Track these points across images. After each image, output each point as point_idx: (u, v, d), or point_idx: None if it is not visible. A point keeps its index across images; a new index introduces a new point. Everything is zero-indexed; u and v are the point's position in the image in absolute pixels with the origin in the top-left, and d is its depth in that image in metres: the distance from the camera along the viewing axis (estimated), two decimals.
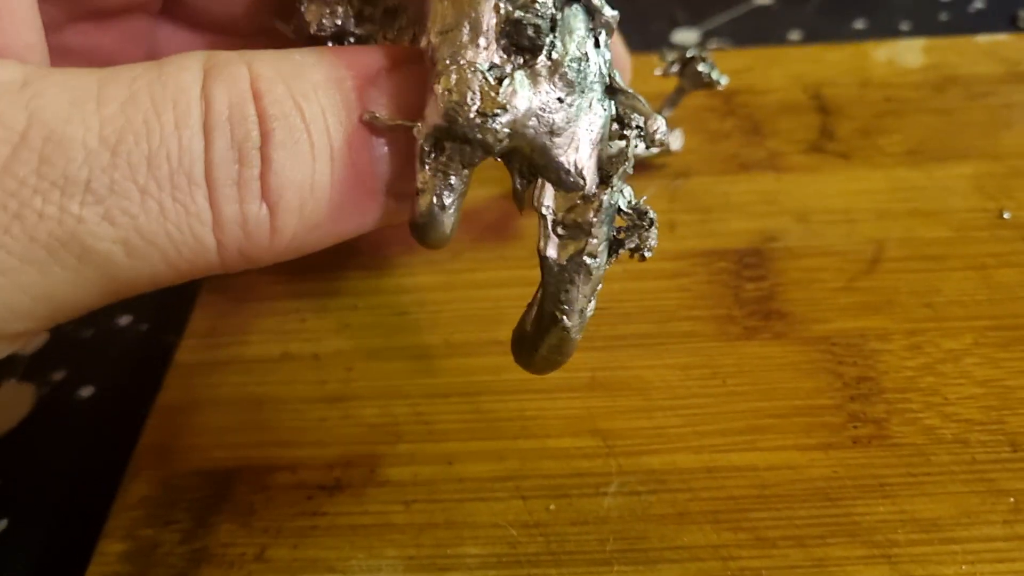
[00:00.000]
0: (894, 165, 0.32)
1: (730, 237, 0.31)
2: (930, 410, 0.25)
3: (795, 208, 0.31)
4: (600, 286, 0.19)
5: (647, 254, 0.19)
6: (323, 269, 0.31)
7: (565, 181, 0.18)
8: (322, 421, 0.27)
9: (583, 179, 0.18)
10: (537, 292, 0.19)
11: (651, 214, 0.19)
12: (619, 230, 0.19)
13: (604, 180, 0.18)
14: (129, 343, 0.32)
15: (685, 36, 0.42)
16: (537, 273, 0.19)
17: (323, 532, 0.24)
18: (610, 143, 0.18)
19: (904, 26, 0.41)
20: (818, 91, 0.36)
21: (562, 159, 0.18)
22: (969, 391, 0.25)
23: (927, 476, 0.24)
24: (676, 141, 0.33)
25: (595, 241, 0.18)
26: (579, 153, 0.18)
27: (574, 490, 0.24)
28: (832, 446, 0.24)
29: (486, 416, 0.26)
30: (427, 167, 0.17)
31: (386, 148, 0.18)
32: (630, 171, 0.18)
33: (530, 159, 0.18)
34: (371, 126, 0.18)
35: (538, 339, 0.19)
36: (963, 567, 0.22)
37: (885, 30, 0.41)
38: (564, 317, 0.18)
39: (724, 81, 0.30)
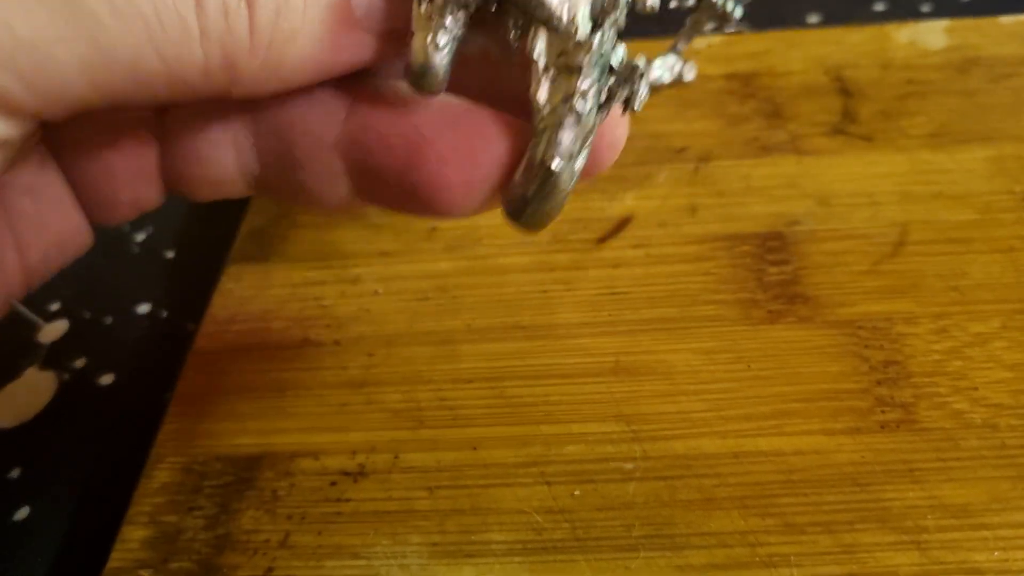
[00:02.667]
0: (917, 147, 0.32)
1: (752, 221, 0.30)
2: (958, 394, 0.25)
3: (817, 191, 0.31)
4: (591, 138, 0.19)
5: (637, 106, 0.19)
6: (344, 255, 0.31)
7: (558, 26, 0.18)
8: (344, 407, 0.27)
9: (575, 24, 0.18)
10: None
11: (642, 68, 0.19)
12: (611, 85, 0.19)
13: (595, 27, 0.18)
14: (148, 330, 0.31)
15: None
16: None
17: (347, 518, 0.24)
18: None
19: (926, 7, 0.40)
20: (839, 73, 0.35)
21: (555, 3, 0.18)
22: (998, 375, 0.25)
23: (956, 461, 0.23)
24: (690, 72, 0.32)
25: (584, 84, 0.18)
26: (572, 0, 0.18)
27: (599, 475, 0.24)
28: (860, 431, 0.24)
29: (510, 401, 0.26)
30: (422, 5, 0.18)
31: None
32: (622, 22, 0.19)
33: (524, 6, 0.18)
34: None
35: (527, 187, 0.19)
36: (995, 553, 0.22)
37: (906, 12, 0.40)
38: (552, 160, 0.19)
39: (739, 13, 0.30)
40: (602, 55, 0.18)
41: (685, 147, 0.33)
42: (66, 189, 0.23)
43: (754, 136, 0.33)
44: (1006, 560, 0.21)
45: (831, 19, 0.40)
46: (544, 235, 0.30)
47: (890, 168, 0.31)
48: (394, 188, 0.21)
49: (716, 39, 0.37)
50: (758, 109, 0.35)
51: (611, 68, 0.19)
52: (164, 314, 0.32)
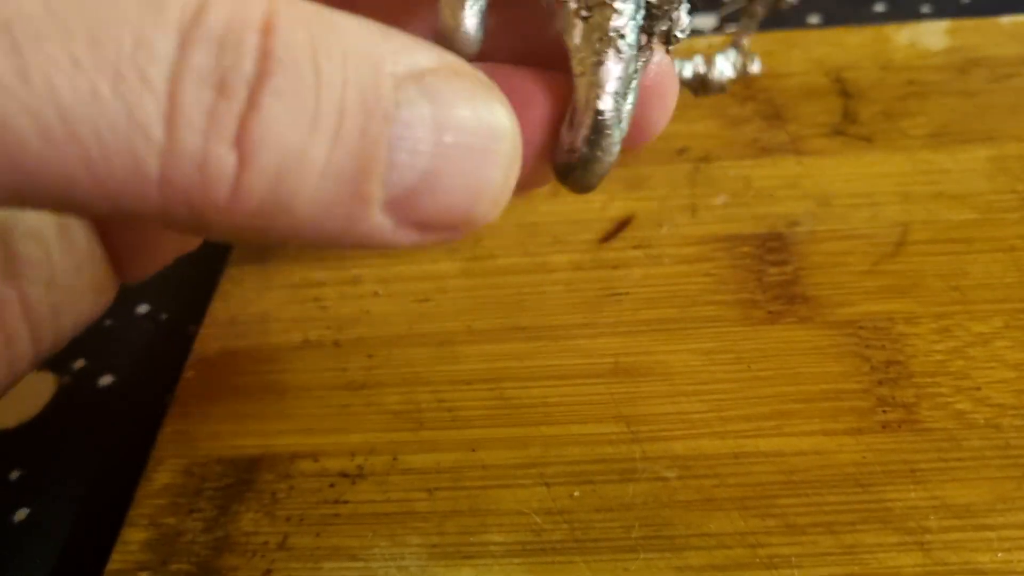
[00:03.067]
0: (918, 148, 0.32)
1: (752, 222, 0.30)
2: (961, 394, 0.25)
3: (818, 192, 0.31)
4: (636, 80, 0.18)
5: (679, 34, 0.18)
6: (343, 256, 0.31)
7: None
8: (344, 408, 0.26)
9: None
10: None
11: None
12: (649, 20, 0.18)
13: None
14: (149, 332, 0.31)
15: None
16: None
17: (346, 520, 0.24)
18: None
19: (925, 8, 0.40)
20: (839, 74, 0.35)
21: None
22: (1000, 375, 0.25)
23: (959, 461, 0.23)
24: (756, 65, 0.32)
25: (620, 18, 0.17)
26: None
27: (598, 476, 0.24)
28: (861, 431, 0.24)
29: (509, 403, 0.26)
30: None
31: (408, 159, 0.15)
32: None
33: None
34: None
35: (575, 138, 0.18)
36: (998, 554, 0.21)
37: (906, 13, 0.40)
38: (600, 102, 0.17)
39: None
40: None
41: (685, 148, 0.33)
42: (86, 234, 0.20)
43: (754, 137, 0.33)
44: (1010, 561, 0.21)
45: (831, 20, 0.40)
46: (544, 236, 0.30)
47: (890, 168, 0.31)
48: None
49: (716, 40, 0.37)
50: (758, 110, 0.34)
51: (648, 3, 0.18)
52: (164, 315, 0.32)
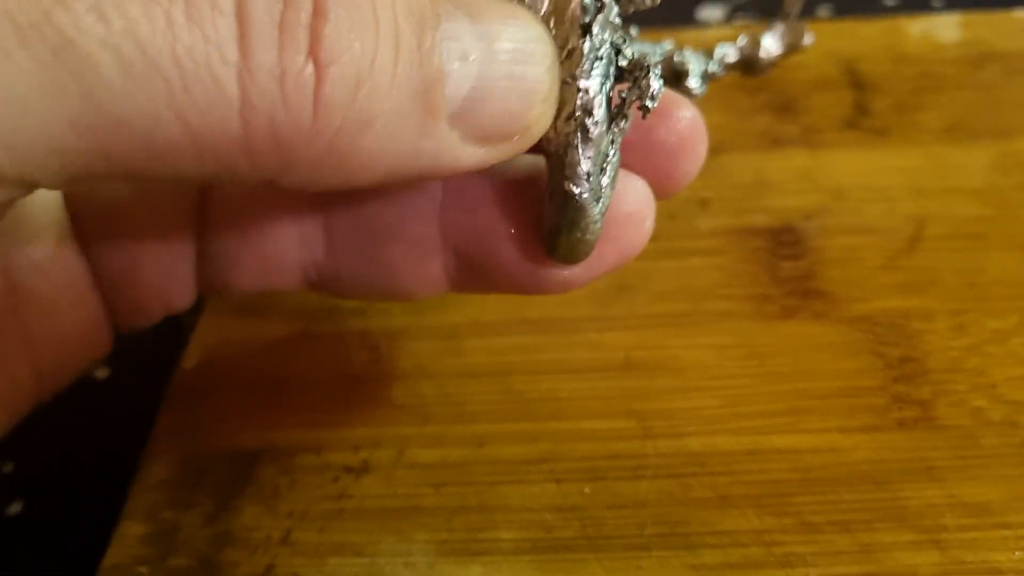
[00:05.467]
0: (932, 142, 0.31)
1: (765, 215, 0.30)
2: (977, 391, 0.24)
3: (831, 185, 0.30)
4: (611, 154, 0.17)
5: (649, 103, 0.17)
6: None
7: None
8: (347, 401, 0.26)
9: (564, 36, 0.17)
10: None
11: (648, 62, 0.17)
12: (623, 89, 0.18)
13: (584, 33, 0.17)
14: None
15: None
16: None
17: (350, 515, 0.23)
18: None
19: (936, 2, 0.40)
20: (851, 67, 0.35)
21: (541, 16, 0.17)
22: (1017, 372, 0.25)
23: (976, 459, 0.23)
24: (808, 37, 0.31)
25: (585, 95, 0.17)
26: None
27: (610, 473, 0.23)
28: (876, 428, 0.24)
29: (518, 397, 0.25)
30: None
31: (461, 68, 0.15)
32: (615, 19, 0.17)
33: None
34: None
35: (555, 219, 0.18)
36: (1016, 553, 0.21)
37: (917, 5, 0.40)
38: (572, 186, 0.17)
39: None
40: (598, 59, 0.17)
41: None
42: (86, 276, 0.20)
43: (766, 130, 0.33)
44: None
45: (842, 12, 0.40)
46: None
47: (905, 162, 0.31)
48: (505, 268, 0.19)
49: (726, 31, 0.36)
50: (769, 103, 0.34)
51: (620, 72, 0.17)
52: None
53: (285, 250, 0.20)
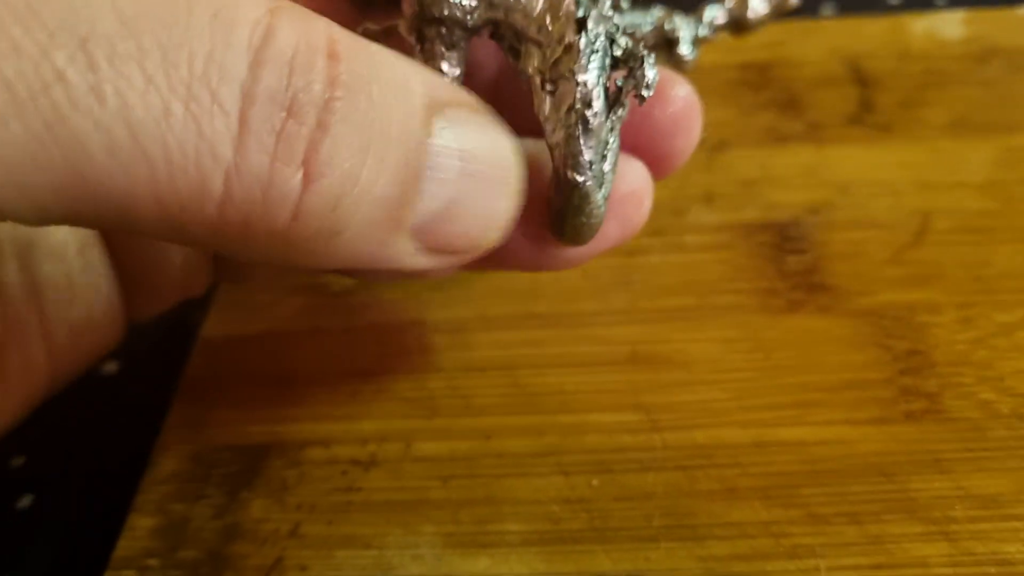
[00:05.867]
0: (937, 137, 0.31)
1: (770, 210, 0.30)
2: (984, 384, 0.24)
3: (836, 181, 0.30)
4: (611, 141, 0.18)
5: (645, 92, 0.18)
6: None
7: (544, 36, 0.17)
8: (355, 395, 0.26)
9: (555, 32, 0.17)
10: None
11: (641, 51, 0.18)
12: (620, 80, 0.18)
13: (580, 27, 0.17)
14: (154, 318, 0.31)
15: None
16: None
17: (358, 508, 0.23)
18: None
19: (940, 0, 0.40)
20: (856, 63, 0.35)
21: (536, 14, 0.17)
22: None
23: (984, 451, 0.23)
24: None
25: (583, 89, 0.17)
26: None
27: (617, 465, 0.23)
28: (884, 421, 0.24)
29: (524, 390, 0.25)
30: (417, 59, 0.17)
31: (436, 188, 0.16)
32: (608, 12, 0.18)
33: (511, 25, 0.18)
34: (365, 35, 0.17)
35: (560, 205, 0.19)
36: None
37: (920, 2, 0.40)
38: (575, 174, 0.18)
39: None
40: (594, 52, 0.17)
41: (700, 136, 0.32)
42: (104, 263, 0.21)
43: (771, 125, 0.33)
44: None
45: (845, 10, 0.40)
46: None
47: (910, 158, 0.31)
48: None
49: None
50: (774, 99, 0.34)
51: (615, 61, 0.18)
52: None
53: None
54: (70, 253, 0.20)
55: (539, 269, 0.21)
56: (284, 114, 0.14)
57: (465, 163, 0.16)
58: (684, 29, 0.24)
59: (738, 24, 0.28)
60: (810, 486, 0.23)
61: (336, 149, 0.14)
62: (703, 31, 0.24)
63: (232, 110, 0.13)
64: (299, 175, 0.14)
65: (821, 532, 0.22)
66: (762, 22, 0.29)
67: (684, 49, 0.23)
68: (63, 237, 0.20)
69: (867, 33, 0.36)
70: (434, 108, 0.15)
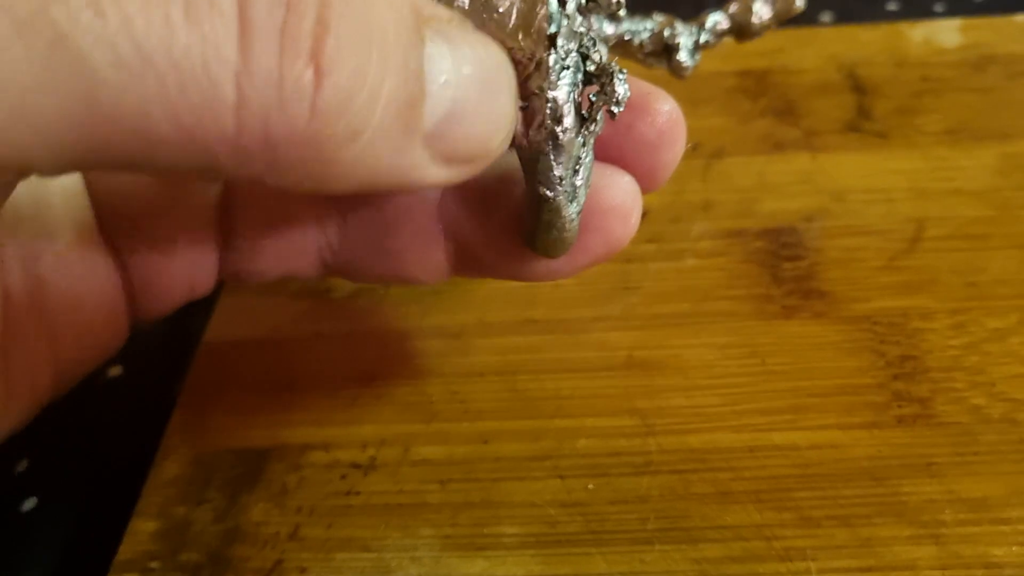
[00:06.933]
0: (933, 144, 0.32)
1: (766, 217, 0.30)
2: (976, 389, 0.25)
3: (832, 188, 0.31)
4: (584, 156, 0.18)
5: (615, 108, 0.18)
6: None
7: (517, 51, 0.17)
8: (355, 400, 0.26)
9: (525, 48, 0.17)
10: None
11: (613, 67, 0.18)
12: (593, 95, 0.18)
13: (550, 43, 0.17)
14: (157, 323, 0.31)
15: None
16: None
17: (357, 511, 0.24)
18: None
19: (939, 7, 0.40)
20: (853, 71, 0.35)
21: (510, 29, 0.17)
22: (1016, 370, 0.25)
23: (975, 456, 0.23)
24: (800, 0, 0.31)
25: (553, 105, 0.17)
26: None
27: (613, 469, 0.24)
28: (876, 425, 0.24)
29: (522, 395, 0.26)
30: None
31: (439, 91, 0.15)
32: (579, 28, 0.18)
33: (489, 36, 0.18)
34: None
35: (533, 219, 0.19)
36: (1014, 548, 0.21)
37: (919, 11, 0.40)
38: (546, 189, 0.18)
39: None
40: (565, 68, 0.17)
41: (697, 143, 0.33)
42: (109, 267, 0.21)
43: (767, 133, 0.33)
44: None
45: (844, 18, 0.40)
46: None
47: (905, 165, 0.31)
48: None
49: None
50: (771, 106, 0.34)
51: (588, 76, 0.18)
52: None
53: (305, 236, 0.21)
54: (74, 258, 0.20)
55: (526, 279, 0.21)
56: (284, 9, 0.13)
57: (460, 66, 0.16)
58: (683, 37, 0.24)
59: (741, 30, 0.28)
60: (802, 490, 0.23)
61: (340, 45, 0.14)
62: (705, 36, 0.24)
63: (231, 11, 0.13)
64: (309, 71, 0.13)
65: (812, 535, 0.22)
66: (766, 27, 0.29)
67: (683, 56, 0.24)
68: (68, 242, 0.20)
69: (864, 40, 0.36)
70: (421, 18, 0.15)
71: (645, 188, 0.20)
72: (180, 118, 0.13)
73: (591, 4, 0.19)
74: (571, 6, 0.17)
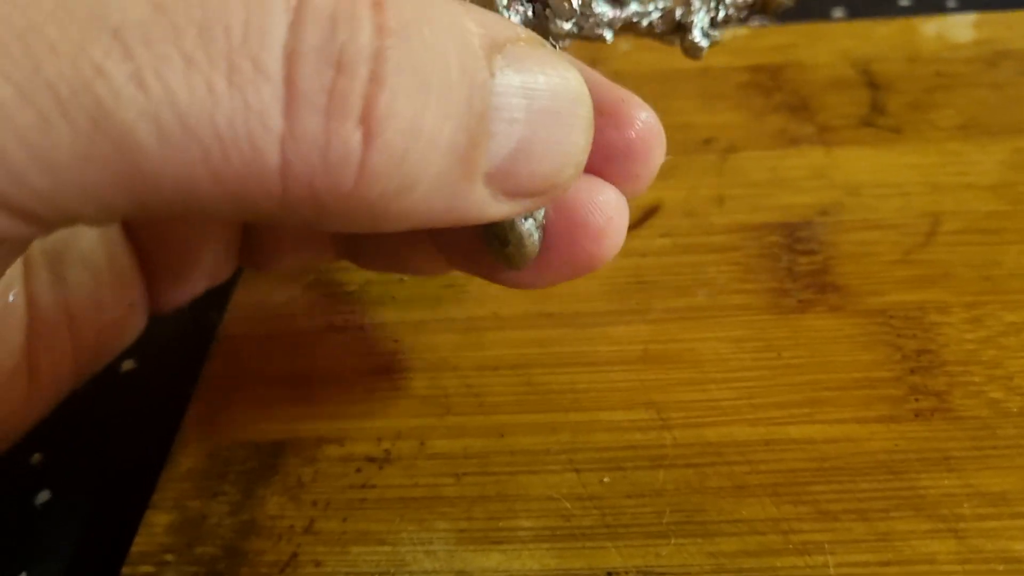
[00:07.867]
0: (947, 139, 0.32)
1: (780, 211, 0.30)
2: (993, 383, 0.24)
3: (846, 182, 0.31)
4: None
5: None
6: None
7: None
8: (370, 393, 0.26)
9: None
10: None
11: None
12: None
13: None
14: (171, 317, 0.31)
15: None
16: None
17: (373, 505, 0.24)
18: None
19: (951, 2, 0.40)
20: (866, 66, 0.35)
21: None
22: None
23: (993, 449, 0.23)
24: None
25: None
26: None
27: (628, 463, 0.24)
28: (893, 419, 0.24)
29: (537, 389, 0.26)
30: None
31: (506, 129, 0.15)
32: (564, 25, 0.17)
33: None
34: None
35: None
36: None
37: (931, 6, 0.40)
38: None
39: None
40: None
41: (711, 138, 0.33)
42: (130, 259, 0.21)
43: (781, 128, 0.33)
44: None
45: (856, 14, 0.40)
46: None
47: (920, 159, 0.31)
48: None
49: (741, 31, 0.37)
50: (784, 102, 0.34)
51: None
52: None
53: (320, 235, 0.21)
54: (98, 258, 0.20)
55: (508, 286, 0.20)
56: (333, 71, 0.13)
57: (532, 100, 0.15)
58: (699, 13, 0.22)
59: (764, 4, 0.27)
60: (819, 483, 0.23)
61: (394, 100, 0.13)
62: (724, 11, 0.23)
63: (276, 75, 0.13)
64: (358, 133, 0.13)
65: (830, 529, 0.22)
66: (790, 2, 0.28)
67: (696, 35, 0.22)
68: (91, 242, 0.20)
69: (878, 36, 0.36)
70: (492, 46, 0.14)
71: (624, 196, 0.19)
72: (224, 182, 0.13)
73: None
74: None
